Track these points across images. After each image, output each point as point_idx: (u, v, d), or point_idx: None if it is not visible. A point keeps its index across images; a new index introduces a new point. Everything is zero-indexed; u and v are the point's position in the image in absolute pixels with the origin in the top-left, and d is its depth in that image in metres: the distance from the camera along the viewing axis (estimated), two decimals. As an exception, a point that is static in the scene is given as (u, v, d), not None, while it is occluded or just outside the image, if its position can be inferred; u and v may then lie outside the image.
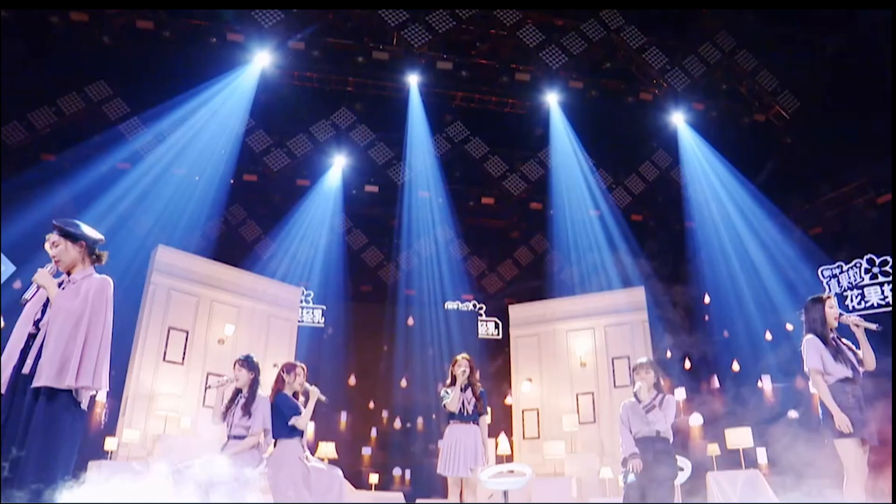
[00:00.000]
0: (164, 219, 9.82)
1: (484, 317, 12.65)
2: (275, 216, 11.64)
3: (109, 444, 7.27)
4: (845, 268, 10.25)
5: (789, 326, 9.87)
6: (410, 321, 11.38)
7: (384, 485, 8.73)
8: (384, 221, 12.88)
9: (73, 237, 3.54)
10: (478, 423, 5.78)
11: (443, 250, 13.20)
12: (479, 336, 11.92)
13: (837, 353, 4.57)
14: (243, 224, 11.83)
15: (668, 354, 10.49)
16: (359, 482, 8.78)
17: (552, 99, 11.80)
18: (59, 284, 3.47)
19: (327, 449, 8.54)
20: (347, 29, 11.41)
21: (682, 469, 5.87)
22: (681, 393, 9.94)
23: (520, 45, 11.73)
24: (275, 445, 5.13)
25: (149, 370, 8.00)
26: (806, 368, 4.62)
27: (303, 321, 10.77)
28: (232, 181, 11.83)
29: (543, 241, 13.23)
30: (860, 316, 4.77)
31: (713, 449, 8.21)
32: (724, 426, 8.67)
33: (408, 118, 12.00)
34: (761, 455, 9.32)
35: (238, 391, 5.12)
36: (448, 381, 5.87)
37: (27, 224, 8.70)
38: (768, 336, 10.05)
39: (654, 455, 4.76)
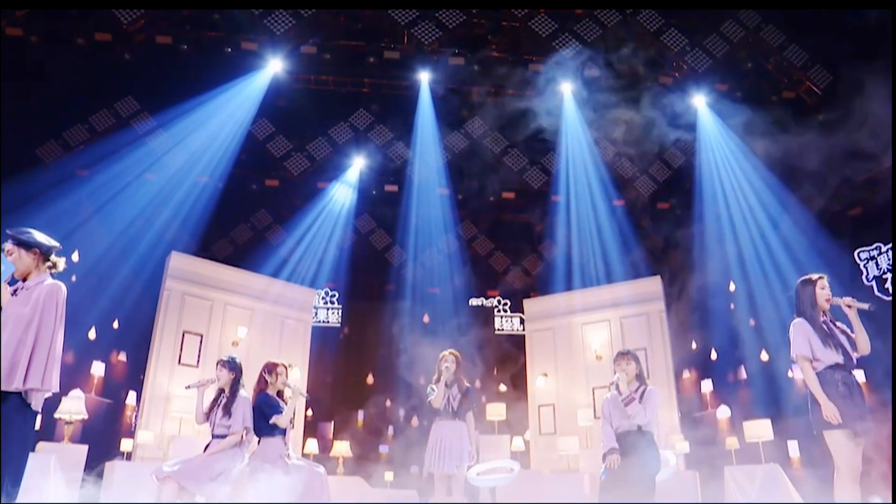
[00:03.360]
0: (189, 225, 10.14)
1: (508, 312, 12.53)
2: (295, 219, 11.85)
3: (126, 445, 7.59)
4: (884, 249, 9.64)
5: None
6: (426, 318, 11.39)
7: (401, 482, 8.76)
8: (405, 220, 12.92)
9: (27, 245, 3.67)
10: (464, 420, 5.73)
11: (465, 247, 13.17)
12: (499, 332, 11.80)
13: (827, 338, 4.31)
14: (269, 228, 12.10)
15: (694, 346, 10.11)
16: (375, 480, 8.84)
17: (566, 88, 11.56)
18: (14, 292, 3.60)
19: (341, 447, 8.65)
20: (358, 30, 11.50)
21: (667, 463, 5.64)
22: (707, 385, 9.58)
23: (533, 36, 11.55)
24: (259, 444, 5.22)
25: (164, 373, 8.29)
26: (792, 354, 4.37)
27: (320, 321, 10.91)
28: (254, 186, 12.14)
29: (567, 233, 12.99)
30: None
31: (732, 442, 7.86)
32: (751, 418, 8.30)
33: (421, 117, 11.99)
34: (793, 448, 8.90)
35: (221, 391, 5.23)
36: (435, 378, 5.83)
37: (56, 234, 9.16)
38: (799, 323, 9.53)
39: (634, 450, 4.58)
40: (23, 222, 9.29)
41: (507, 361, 10.46)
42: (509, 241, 13.03)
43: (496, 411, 9.04)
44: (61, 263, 3.87)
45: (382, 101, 12.44)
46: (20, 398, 3.38)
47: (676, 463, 5.96)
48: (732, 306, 9.69)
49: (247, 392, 5.25)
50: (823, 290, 4.47)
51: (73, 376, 8.64)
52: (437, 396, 5.69)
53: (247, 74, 11.32)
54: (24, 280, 3.67)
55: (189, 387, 5.26)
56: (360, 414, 10.22)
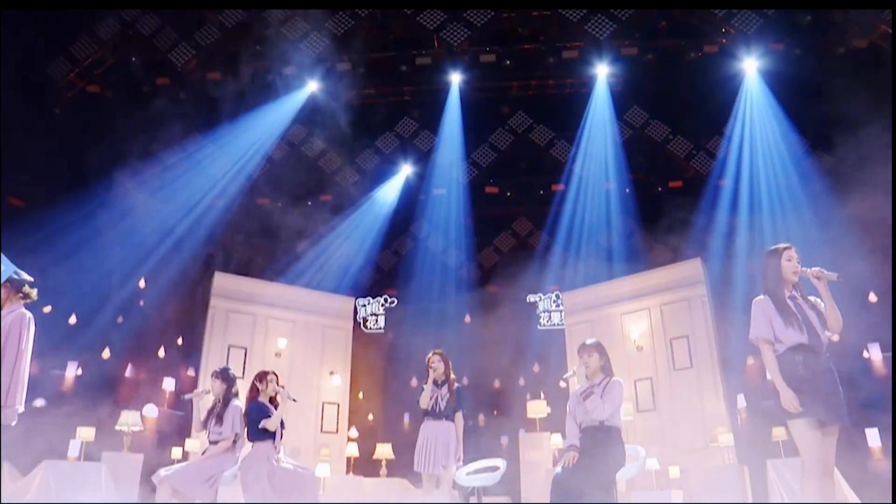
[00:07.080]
0: (238, 245, 10.85)
1: (563, 306, 12.22)
2: (345, 229, 12.30)
3: (175, 452, 8.28)
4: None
5: (901, 284, 8.33)
6: (468, 318, 11.38)
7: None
8: (458, 222, 12.99)
9: (-3, 279, 4.16)
10: (453, 420, 5.74)
11: (521, 243, 13.04)
12: (546, 327, 11.54)
13: (791, 316, 3.91)
14: (322, 241, 12.61)
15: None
16: (419, 481, 8.97)
17: (602, 71, 11.14)
18: (-12, 323, 4.10)
19: (384, 449, 8.88)
20: (389, 41, 11.76)
21: (635, 459, 5.28)
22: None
23: (564, 22, 11.24)
24: (251, 448, 5.53)
25: (212, 386, 8.92)
26: (751, 336, 4.00)
27: (366, 328, 11.20)
28: (310, 203, 12.75)
29: (629, 221, 12.46)
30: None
31: (779, 433, 7.18)
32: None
33: (461, 118, 12.04)
34: (872, 437, 8.03)
35: (216, 401, 5.61)
36: (425, 379, 5.89)
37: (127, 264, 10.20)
38: (872, 297, 8.54)
39: (593, 447, 4.38)
40: (106, 255, 10.29)
41: (550, 356, 10.22)
42: (563, 234, 12.71)
43: (537, 409, 8.87)
44: (34, 294, 4.32)
45: (423, 107, 12.62)
46: (-13, 414, 3.85)
47: (645, 457, 5.55)
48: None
49: (240, 401, 5.59)
50: (790, 262, 4.06)
51: (147, 392, 9.54)
52: (424, 396, 5.75)
53: (289, 97, 11.93)
54: (-2, 312, 4.16)
55: (186, 397, 5.69)
56: (406, 416, 10.43)
